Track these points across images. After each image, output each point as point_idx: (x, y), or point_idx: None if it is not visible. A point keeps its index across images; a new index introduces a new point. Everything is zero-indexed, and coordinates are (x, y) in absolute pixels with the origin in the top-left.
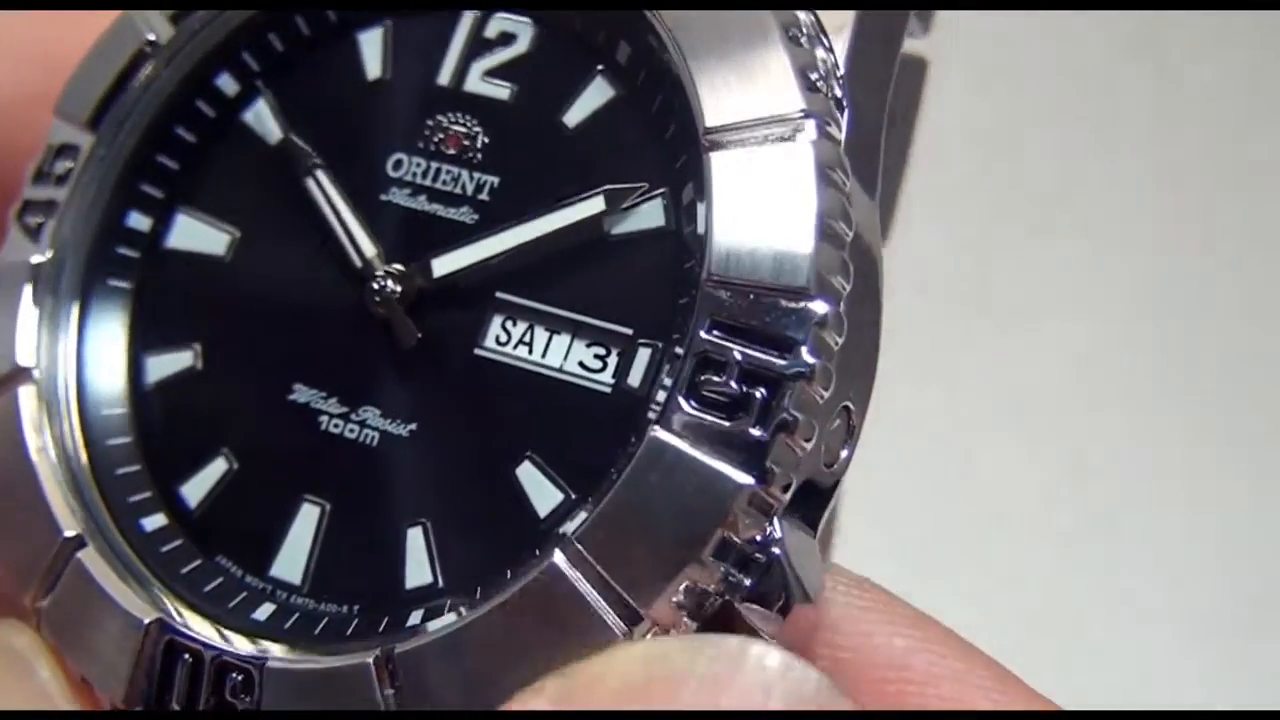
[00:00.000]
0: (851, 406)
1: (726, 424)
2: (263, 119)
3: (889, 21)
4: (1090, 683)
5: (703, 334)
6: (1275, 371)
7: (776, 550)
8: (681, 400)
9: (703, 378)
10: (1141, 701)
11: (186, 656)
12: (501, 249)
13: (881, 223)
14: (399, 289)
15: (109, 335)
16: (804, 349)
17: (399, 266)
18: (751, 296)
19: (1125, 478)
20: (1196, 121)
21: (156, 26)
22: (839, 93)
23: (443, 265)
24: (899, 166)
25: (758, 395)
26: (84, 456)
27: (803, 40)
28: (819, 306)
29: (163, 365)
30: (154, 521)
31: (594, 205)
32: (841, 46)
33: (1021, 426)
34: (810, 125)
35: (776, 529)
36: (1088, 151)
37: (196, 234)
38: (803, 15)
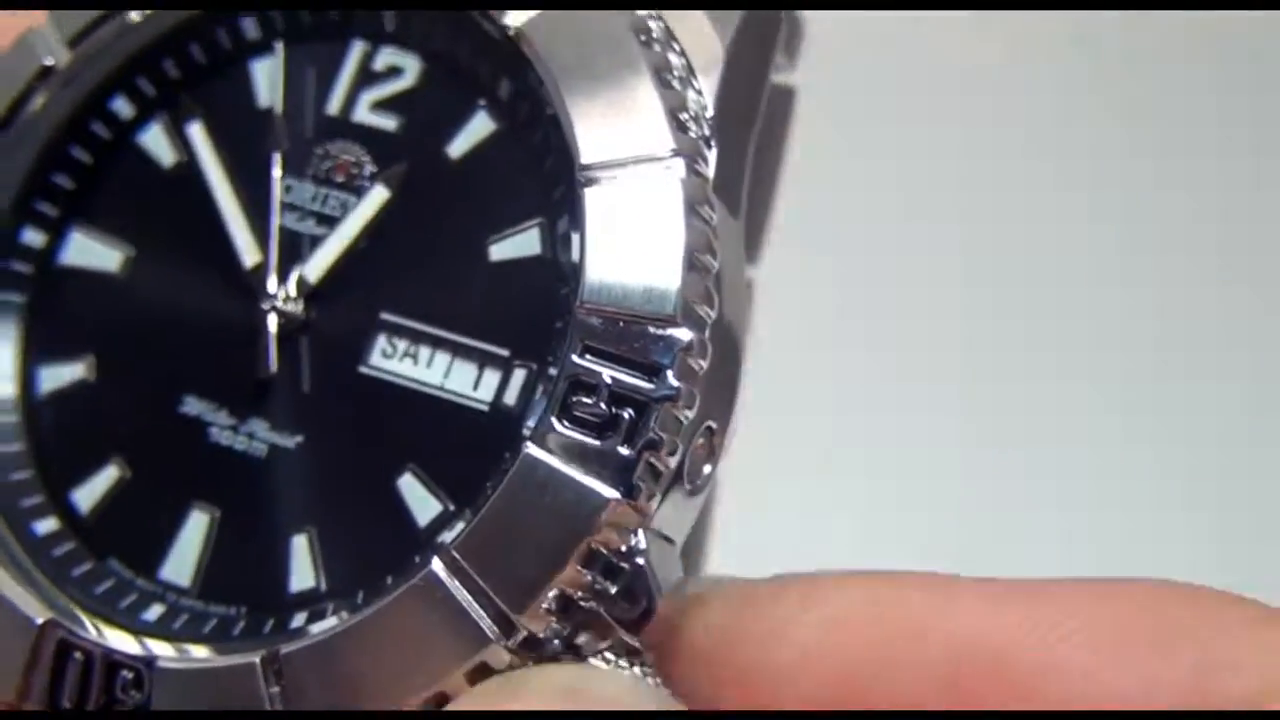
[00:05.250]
0: (714, 426)
1: (596, 442)
2: (158, 141)
3: (757, 59)
4: None
5: (575, 358)
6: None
7: (640, 560)
8: (554, 420)
9: (574, 399)
10: None
11: (78, 655)
12: (357, 230)
13: (751, 246)
14: (286, 308)
15: (2, 347)
16: (670, 374)
17: (286, 287)
18: (621, 324)
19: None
20: (1085, 121)
21: (55, 51)
22: (707, 132)
23: (314, 270)
24: (768, 192)
25: (626, 416)
26: None
27: (674, 83)
28: (684, 334)
29: (56, 376)
30: (46, 526)
31: None
32: (710, 87)
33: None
34: (679, 163)
35: (641, 540)
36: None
37: (90, 251)
38: (674, 59)
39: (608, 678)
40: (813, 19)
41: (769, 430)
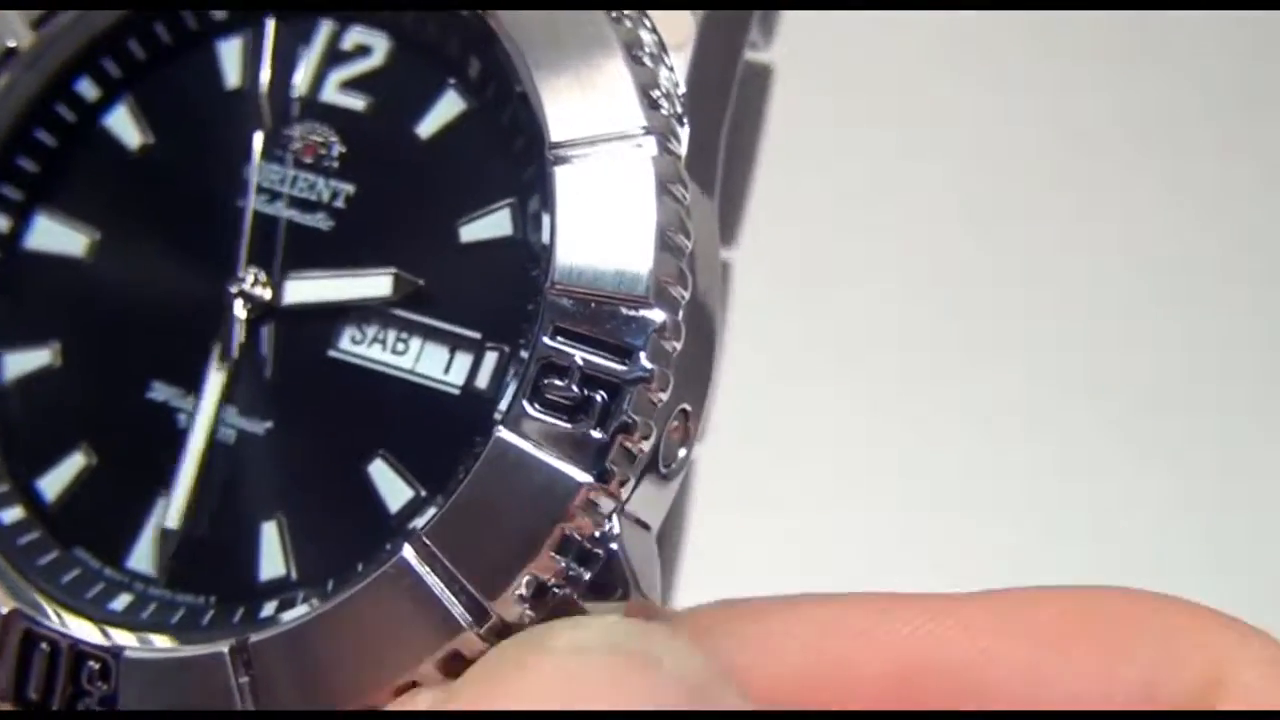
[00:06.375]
0: (689, 409)
1: (568, 426)
2: (123, 123)
3: (730, 36)
4: None
5: (546, 340)
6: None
7: (614, 545)
8: (525, 403)
9: (546, 381)
10: None
11: (44, 646)
12: (349, 297)
13: (729, 227)
14: (254, 292)
15: None
16: (643, 355)
17: (256, 271)
18: (593, 305)
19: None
20: (1044, 119)
21: (18, 32)
22: (680, 109)
23: (294, 293)
24: (745, 172)
25: (598, 399)
26: None
27: (645, 59)
28: (657, 315)
29: (21, 363)
30: (12, 514)
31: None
32: (682, 64)
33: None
34: (651, 141)
35: (615, 525)
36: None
37: (56, 235)
38: (646, 35)
39: (651, 635)
40: None
41: (744, 418)
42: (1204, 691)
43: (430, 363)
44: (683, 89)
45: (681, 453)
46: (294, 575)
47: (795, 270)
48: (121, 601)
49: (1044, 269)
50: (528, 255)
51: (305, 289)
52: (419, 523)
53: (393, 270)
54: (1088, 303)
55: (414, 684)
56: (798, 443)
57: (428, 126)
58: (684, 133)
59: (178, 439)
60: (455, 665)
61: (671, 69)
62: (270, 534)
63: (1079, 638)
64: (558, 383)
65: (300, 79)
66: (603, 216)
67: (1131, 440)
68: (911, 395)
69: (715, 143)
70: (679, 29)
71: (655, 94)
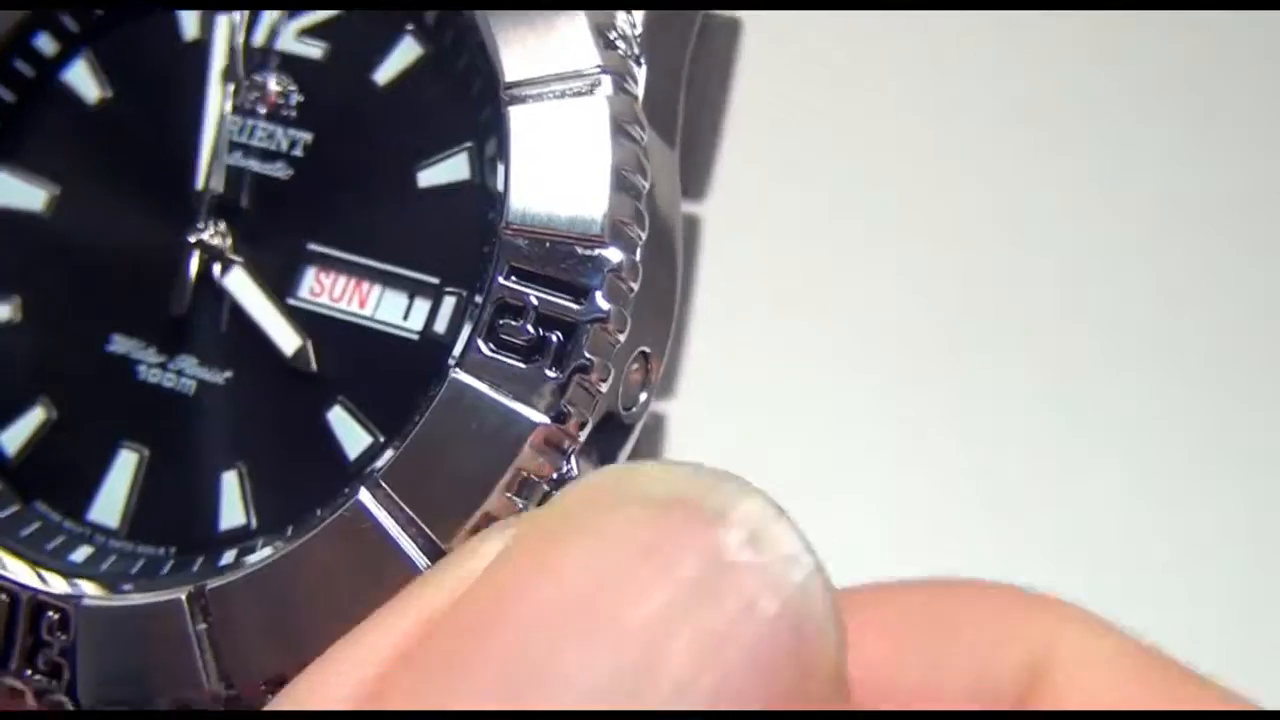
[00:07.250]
0: (649, 351)
1: (523, 366)
2: (82, 78)
3: None
4: None
5: (501, 280)
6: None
7: None
8: (480, 343)
9: (501, 322)
10: None
11: (3, 596)
12: (262, 326)
13: (697, 180)
14: (212, 242)
15: None
16: (598, 294)
17: (215, 221)
18: (548, 245)
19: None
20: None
21: None
22: (637, 51)
23: (232, 283)
24: (713, 125)
25: (554, 339)
26: None
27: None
28: (613, 254)
29: None
30: None
31: None
32: (639, 7)
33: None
34: (606, 80)
35: (573, 466)
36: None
37: (15, 191)
38: None
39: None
40: None
41: (715, 378)
42: (1030, 671)
43: (389, 309)
44: (639, 30)
45: (642, 396)
46: (254, 524)
47: (767, 224)
48: (82, 553)
49: (1030, 214)
50: (485, 199)
51: (243, 287)
52: (377, 466)
53: (304, 341)
54: (1084, 249)
55: None
56: (772, 403)
57: (385, 73)
58: (641, 74)
59: (137, 391)
60: None
61: (630, 12)
62: (230, 483)
63: (915, 631)
64: (513, 323)
65: (258, 29)
66: (558, 156)
67: (1130, 429)
68: (890, 355)
69: (675, 87)
70: None
71: (611, 34)
